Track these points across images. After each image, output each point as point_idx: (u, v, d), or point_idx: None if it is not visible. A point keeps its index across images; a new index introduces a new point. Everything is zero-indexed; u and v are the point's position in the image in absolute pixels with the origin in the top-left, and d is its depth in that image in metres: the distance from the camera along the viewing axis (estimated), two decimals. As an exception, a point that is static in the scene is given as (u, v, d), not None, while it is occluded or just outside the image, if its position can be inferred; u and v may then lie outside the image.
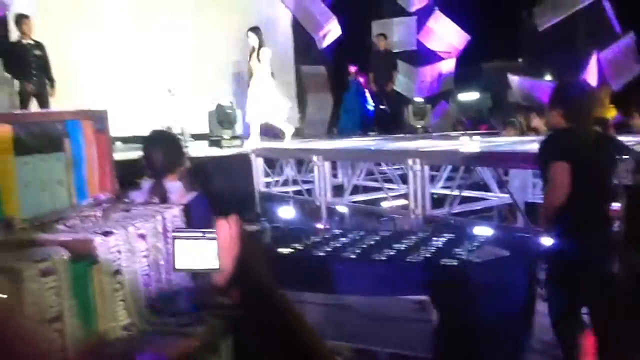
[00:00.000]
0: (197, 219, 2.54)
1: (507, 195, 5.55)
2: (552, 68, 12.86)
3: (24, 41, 7.65)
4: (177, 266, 1.36)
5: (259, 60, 7.76)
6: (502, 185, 5.63)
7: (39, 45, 7.76)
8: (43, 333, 1.35)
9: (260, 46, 7.82)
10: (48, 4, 8.83)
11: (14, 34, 8.06)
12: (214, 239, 1.20)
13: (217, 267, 1.19)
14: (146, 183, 2.58)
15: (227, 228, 1.17)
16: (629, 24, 11.05)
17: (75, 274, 1.47)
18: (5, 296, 1.21)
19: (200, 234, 1.32)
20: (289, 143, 7.66)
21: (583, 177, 2.90)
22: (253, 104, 7.60)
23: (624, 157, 2.92)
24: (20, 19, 7.64)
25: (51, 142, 1.89)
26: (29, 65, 7.57)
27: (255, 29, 8.04)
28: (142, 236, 1.83)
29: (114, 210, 2.05)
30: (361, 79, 11.72)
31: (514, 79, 11.63)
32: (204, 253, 1.33)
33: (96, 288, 1.57)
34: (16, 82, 7.57)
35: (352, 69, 11.70)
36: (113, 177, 2.20)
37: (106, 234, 1.66)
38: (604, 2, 10.69)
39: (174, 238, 1.34)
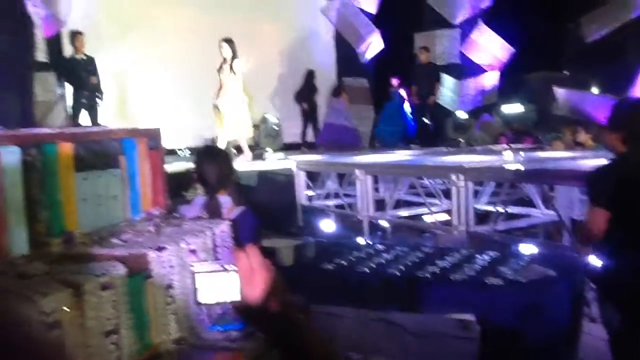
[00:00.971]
0: (245, 233, 2.60)
1: (553, 213, 5.45)
2: (598, 80, 12.59)
3: (77, 56, 7.96)
4: (200, 300, 1.36)
5: (233, 72, 7.48)
6: (548, 202, 5.53)
7: (91, 60, 8.05)
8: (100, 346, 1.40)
9: (233, 57, 7.53)
10: (99, 21, 9.13)
11: (67, 49, 8.38)
12: (235, 271, 1.19)
13: (239, 298, 1.18)
14: (198, 198, 2.64)
15: (245, 259, 1.14)
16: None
17: (131, 288, 1.52)
18: (68, 309, 1.26)
19: (220, 267, 1.32)
20: (329, 157, 7.69)
21: (632, 204, 2.79)
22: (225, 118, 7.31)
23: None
24: (74, 35, 7.97)
25: (108, 159, 1.96)
26: (80, 79, 7.86)
27: (228, 40, 7.71)
28: (193, 251, 1.88)
29: (166, 225, 2.11)
30: (403, 92, 11.69)
31: (560, 92, 11.41)
32: (226, 285, 1.33)
33: (150, 302, 1.62)
34: (69, 96, 7.86)
35: (395, 81, 11.68)
36: (165, 192, 2.26)
37: (159, 249, 1.71)
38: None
39: (194, 273, 1.34)
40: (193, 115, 9.61)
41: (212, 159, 2.93)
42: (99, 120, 7.96)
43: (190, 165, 3.55)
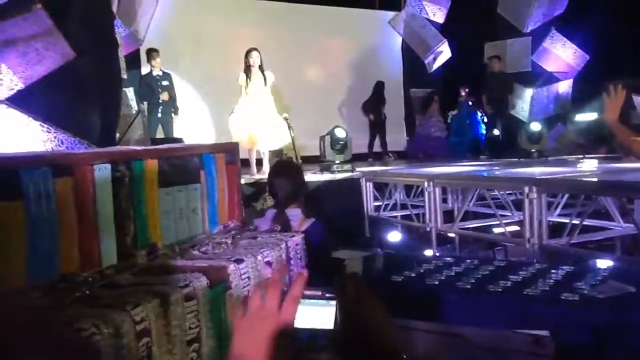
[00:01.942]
0: (316, 245, 2.65)
1: (631, 225, 5.22)
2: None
3: (154, 73, 8.32)
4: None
5: (264, 83, 7.27)
6: (626, 214, 5.31)
7: (167, 76, 8.40)
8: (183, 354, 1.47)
9: (262, 66, 7.32)
10: (174, 38, 9.51)
11: (145, 66, 8.78)
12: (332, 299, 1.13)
13: (332, 327, 1.13)
14: (270, 212, 2.72)
15: (259, 299, 0.97)
16: None
17: (212, 299, 1.59)
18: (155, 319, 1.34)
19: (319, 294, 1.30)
20: (396, 168, 7.69)
21: None
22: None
23: None
24: (150, 52, 8.34)
25: (189, 174, 2.06)
26: (156, 95, 8.20)
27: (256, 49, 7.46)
28: (269, 263, 1.95)
29: (242, 237, 2.19)
30: (471, 102, 11.55)
31: (638, 99, 10.94)
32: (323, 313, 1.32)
33: (229, 312, 1.69)
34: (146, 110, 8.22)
35: (463, 91, 11.55)
36: (241, 205, 2.35)
37: (238, 261, 1.79)
38: None
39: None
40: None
41: (283, 174, 2.99)
42: (175, 134, 8.27)
43: (261, 176, 3.65)
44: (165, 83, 8.32)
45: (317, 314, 1.33)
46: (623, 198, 4.89)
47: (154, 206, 1.86)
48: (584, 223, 5.23)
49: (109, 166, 1.69)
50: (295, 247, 2.17)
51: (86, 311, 1.28)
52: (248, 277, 1.79)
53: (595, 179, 5.07)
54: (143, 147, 1.99)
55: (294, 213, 2.85)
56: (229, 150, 2.28)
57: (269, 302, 0.96)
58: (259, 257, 1.88)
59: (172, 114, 8.35)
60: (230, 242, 2.05)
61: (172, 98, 8.39)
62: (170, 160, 1.98)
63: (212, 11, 10.39)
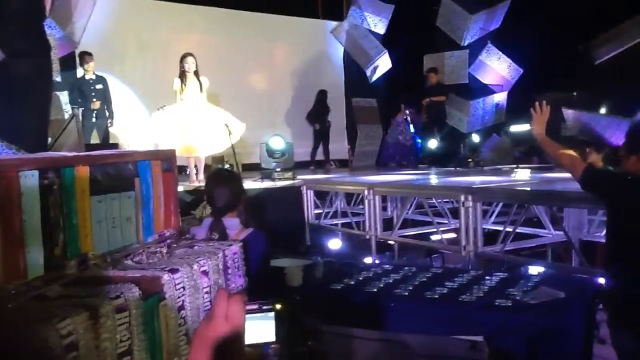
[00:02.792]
0: (255, 254, 2.62)
1: (561, 233, 5.44)
2: (608, 101, 12.59)
3: (87, 77, 8.06)
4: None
5: (200, 89, 7.07)
6: (557, 223, 5.53)
7: (101, 80, 8.15)
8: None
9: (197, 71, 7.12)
10: (112, 41, 9.28)
11: (80, 70, 8.51)
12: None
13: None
14: (207, 220, 2.67)
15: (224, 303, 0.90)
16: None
17: (145, 311, 1.55)
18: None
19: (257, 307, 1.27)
20: (337, 176, 7.76)
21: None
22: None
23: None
24: (83, 56, 8.09)
25: (123, 182, 2.00)
26: (89, 99, 7.95)
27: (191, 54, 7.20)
28: (205, 273, 1.91)
29: (178, 246, 2.15)
30: (407, 112, 11.79)
31: (568, 112, 11.41)
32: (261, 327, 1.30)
33: (162, 323, 1.65)
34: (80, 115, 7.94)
35: (403, 107, 11.82)
36: (177, 213, 2.30)
37: (173, 271, 1.74)
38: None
39: None
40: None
41: (221, 182, 2.94)
42: (111, 139, 8.05)
43: (199, 184, 3.59)
44: (99, 87, 8.08)
45: (258, 328, 1.31)
46: (554, 207, 5.08)
47: (85, 215, 1.79)
48: (517, 230, 5.42)
49: (36, 173, 1.62)
50: (233, 257, 2.14)
51: (9, 326, 1.22)
52: (183, 287, 1.75)
53: (528, 189, 5.26)
54: (74, 154, 1.92)
55: (232, 222, 2.82)
56: (166, 157, 2.23)
57: (216, 308, 0.91)
58: (195, 267, 1.85)
59: (107, 119, 8.11)
60: (165, 251, 2.00)
61: (107, 102, 8.15)
62: (103, 168, 1.92)
63: (153, 15, 10.20)
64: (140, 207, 2.07)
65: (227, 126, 6.71)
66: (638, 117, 9.71)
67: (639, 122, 3.67)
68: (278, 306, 1.53)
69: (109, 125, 8.10)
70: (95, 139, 7.96)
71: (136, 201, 2.05)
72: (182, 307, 1.75)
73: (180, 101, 7.01)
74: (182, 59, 7.04)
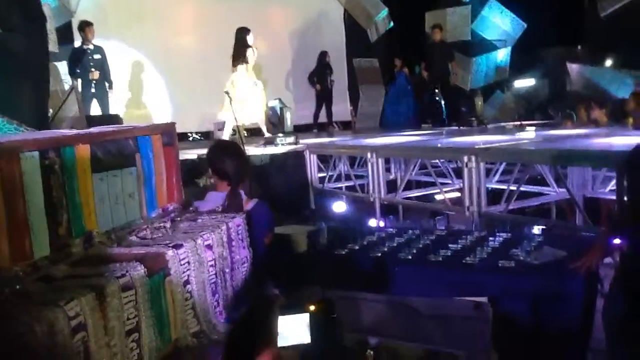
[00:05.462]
0: (259, 226, 2.64)
1: (564, 190, 5.43)
2: (614, 55, 12.42)
3: (85, 46, 7.95)
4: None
5: (246, 60, 7.71)
6: (560, 180, 5.52)
7: (99, 49, 8.04)
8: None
9: (246, 46, 7.75)
10: (109, 10, 9.15)
11: (77, 39, 8.40)
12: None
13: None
14: (211, 194, 2.66)
15: None
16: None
17: (151, 287, 1.57)
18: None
19: None
20: (340, 139, 7.75)
21: None
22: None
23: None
24: (82, 25, 7.94)
25: (124, 158, 2.01)
26: (89, 68, 7.86)
27: (241, 30, 7.88)
28: (209, 247, 1.93)
29: (182, 220, 2.16)
30: (406, 70, 11.64)
31: (573, 67, 11.30)
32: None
33: (168, 299, 1.68)
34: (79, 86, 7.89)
35: (397, 62, 11.63)
36: (180, 187, 2.31)
37: (177, 246, 1.76)
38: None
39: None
40: (202, 99, 9.68)
41: (230, 153, 2.91)
42: (110, 109, 7.99)
43: (201, 151, 3.58)
44: (97, 57, 7.97)
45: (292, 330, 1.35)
46: (557, 166, 5.06)
47: (88, 193, 1.80)
48: (521, 189, 5.41)
49: (37, 154, 1.62)
50: (236, 229, 2.16)
51: (18, 309, 1.24)
52: (188, 262, 1.77)
53: (531, 148, 5.24)
54: (74, 132, 1.92)
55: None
56: (166, 131, 2.23)
57: None
58: (199, 241, 1.87)
59: (107, 89, 8.03)
60: (169, 226, 2.02)
61: (106, 72, 8.05)
62: (104, 145, 1.92)
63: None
64: (143, 182, 2.08)
65: (228, 93, 6.67)
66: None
67: None
68: (312, 307, 1.55)
69: (108, 95, 8.03)
70: (95, 110, 7.92)
71: (138, 177, 2.06)
72: (187, 282, 1.77)
73: (246, 72, 7.60)
74: (249, 32, 7.67)
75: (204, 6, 10.48)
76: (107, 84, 8.06)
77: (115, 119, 6.68)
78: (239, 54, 7.65)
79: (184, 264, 1.75)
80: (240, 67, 7.62)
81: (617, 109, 8.24)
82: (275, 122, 7.41)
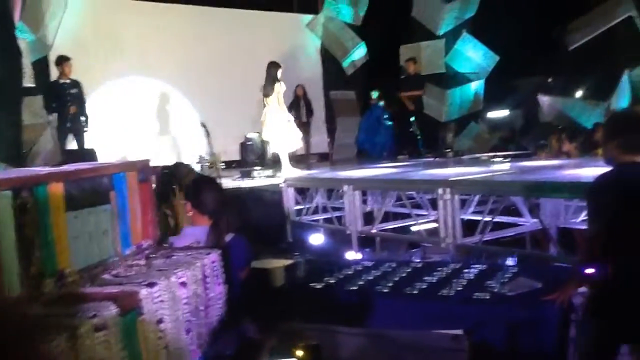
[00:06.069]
0: (237, 260, 2.64)
1: (537, 220, 5.51)
2: (583, 86, 12.77)
3: (61, 80, 7.91)
4: None
5: (275, 92, 8.14)
6: (534, 211, 5.60)
7: (76, 84, 8.01)
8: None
9: (276, 79, 8.21)
10: (87, 46, 9.16)
11: (54, 73, 8.36)
12: None
13: None
14: (187, 229, 2.66)
15: None
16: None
17: (124, 327, 1.56)
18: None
19: None
20: (318, 171, 7.84)
21: (628, 215, 2.79)
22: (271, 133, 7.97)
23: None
24: (61, 60, 7.90)
25: (98, 196, 2.00)
26: (65, 103, 7.80)
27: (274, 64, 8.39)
28: (184, 284, 1.92)
29: (156, 257, 2.16)
30: (381, 103, 11.85)
31: (544, 99, 11.58)
32: None
33: (141, 338, 1.66)
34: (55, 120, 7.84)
35: (373, 95, 11.88)
36: (155, 223, 2.31)
37: (150, 285, 1.75)
38: (635, 19, 10.59)
39: None
40: (180, 133, 9.71)
41: (210, 188, 2.92)
42: (87, 144, 7.94)
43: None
44: (74, 91, 7.91)
45: None
46: (530, 198, 5.15)
47: (61, 231, 1.79)
48: (496, 220, 5.49)
49: (9, 193, 1.61)
50: (211, 265, 2.15)
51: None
52: (161, 301, 1.76)
53: (505, 180, 5.33)
54: (47, 170, 1.92)
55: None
56: (141, 167, 2.23)
57: None
58: (173, 279, 1.86)
59: (83, 125, 7.96)
60: (143, 263, 2.01)
61: (82, 106, 8.00)
62: (78, 182, 1.91)
63: (126, 15, 10.06)
64: (117, 219, 2.07)
65: (204, 126, 6.70)
66: (612, 102, 9.88)
67: (614, 114, 3.72)
68: (299, 353, 1.56)
69: (84, 130, 7.98)
70: (72, 144, 7.86)
71: (112, 214, 2.05)
72: (161, 321, 1.76)
73: (277, 105, 8.05)
74: (279, 67, 8.23)
75: (185, 40, 10.56)
76: (83, 119, 8.01)
77: (91, 154, 6.65)
78: (270, 87, 8.08)
79: (157, 303, 1.74)
80: (272, 100, 8.03)
81: (587, 140, 8.45)
82: (257, 154, 7.45)
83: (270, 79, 8.13)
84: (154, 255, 2.15)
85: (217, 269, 2.18)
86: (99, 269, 1.92)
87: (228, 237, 2.77)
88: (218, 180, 3.21)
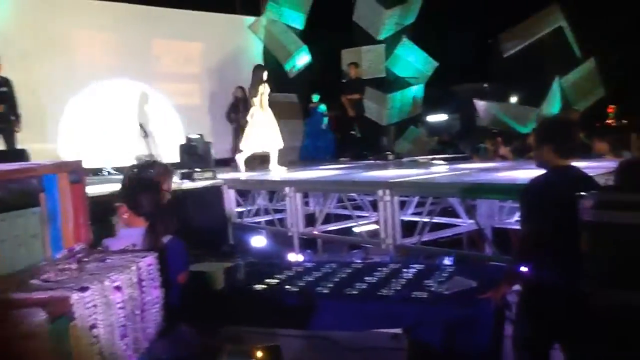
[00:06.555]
0: (174, 263, 2.59)
1: (473, 221, 5.67)
2: (517, 92, 13.25)
3: None
4: None
5: (260, 93, 8.27)
6: (470, 212, 5.76)
7: (5, 82, 7.68)
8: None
9: (263, 81, 8.34)
10: (13, 41, 8.81)
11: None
12: None
13: None
14: (124, 231, 2.60)
15: None
16: (590, 49, 11.48)
17: (54, 334, 1.51)
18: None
19: None
20: (259, 173, 7.84)
21: (558, 217, 2.89)
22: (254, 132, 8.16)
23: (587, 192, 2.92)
24: None
25: (27, 198, 1.93)
26: None
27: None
28: (118, 288, 1.88)
29: (89, 261, 2.09)
30: (323, 106, 12.02)
31: (480, 104, 11.91)
32: None
33: (73, 345, 1.61)
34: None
35: (314, 99, 12.07)
36: (87, 226, 2.24)
37: (82, 289, 1.70)
38: (565, 29, 11.08)
39: None
40: (117, 133, 9.45)
41: (147, 188, 2.84)
42: (18, 144, 7.63)
43: (115, 187, 3.48)
44: (3, 89, 7.58)
45: None
46: (467, 199, 5.29)
47: (-13, 236, 1.72)
48: (434, 221, 5.61)
49: None
50: (147, 268, 2.11)
51: None
52: (94, 306, 1.72)
53: (442, 181, 5.45)
54: (-28, 172, 1.84)
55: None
56: (73, 168, 2.17)
57: None
58: (107, 283, 1.81)
59: (13, 122, 7.63)
60: (75, 267, 1.95)
61: (12, 106, 7.67)
62: (5, 184, 1.84)
63: (58, 13, 9.68)
64: (47, 222, 2.00)
65: (142, 126, 6.55)
66: (543, 107, 10.28)
67: (545, 119, 3.87)
68: (259, 354, 1.54)
69: (15, 130, 7.65)
70: (0, 145, 7.52)
71: (42, 217, 1.98)
72: (94, 326, 1.71)
73: (260, 109, 8.19)
74: (265, 70, 8.48)
75: (118, 38, 10.27)
76: (13, 118, 7.68)
77: (22, 155, 6.39)
78: (256, 89, 8.19)
79: (89, 307, 1.69)
80: (257, 101, 8.15)
81: (522, 144, 8.76)
82: (199, 155, 7.34)
83: (256, 81, 8.25)
84: (86, 259, 2.09)
85: (153, 272, 2.14)
86: (28, 274, 1.85)
87: (165, 240, 2.72)
88: (157, 181, 3.12)
